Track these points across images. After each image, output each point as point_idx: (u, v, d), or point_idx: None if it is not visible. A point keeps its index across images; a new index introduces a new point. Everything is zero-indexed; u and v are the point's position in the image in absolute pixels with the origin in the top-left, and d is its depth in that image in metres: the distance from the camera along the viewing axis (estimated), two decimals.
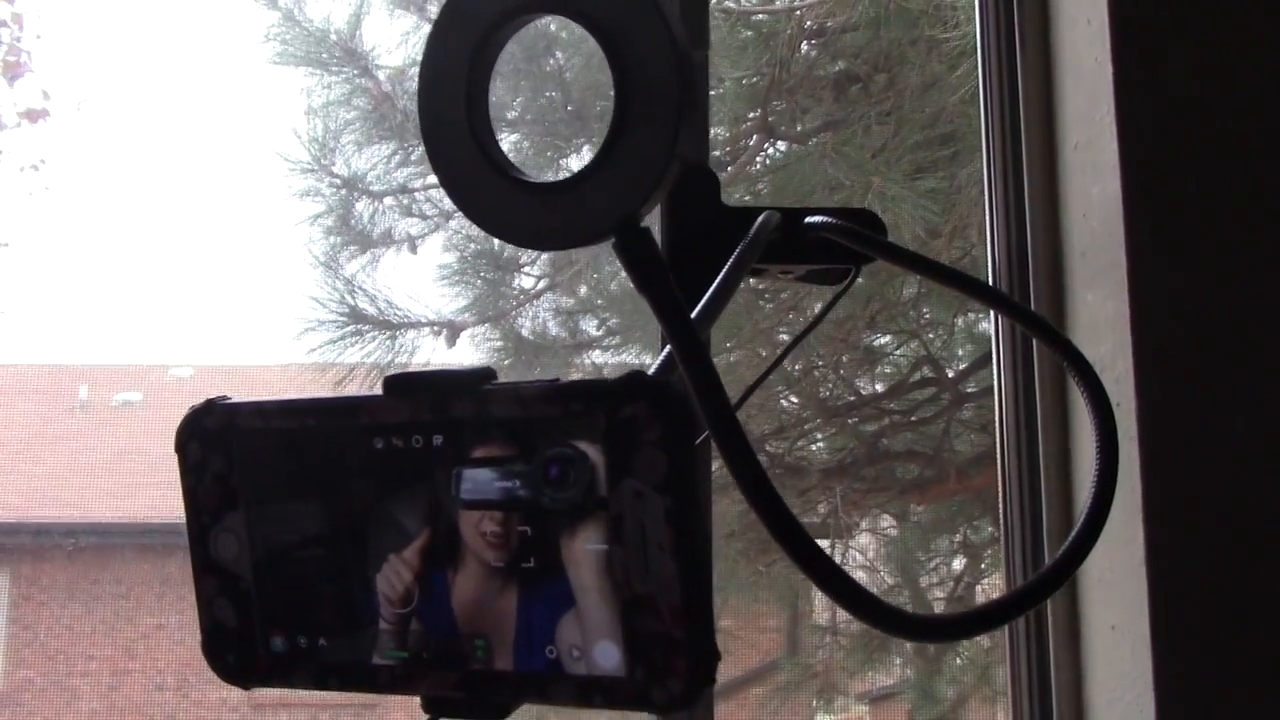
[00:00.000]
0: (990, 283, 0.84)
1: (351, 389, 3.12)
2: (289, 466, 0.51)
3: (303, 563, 0.51)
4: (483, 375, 0.48)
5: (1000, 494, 0.84)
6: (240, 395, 0.53)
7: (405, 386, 0.49)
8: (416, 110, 0.54)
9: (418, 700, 0.50)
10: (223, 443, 0.52)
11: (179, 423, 0.53)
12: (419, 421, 0.48)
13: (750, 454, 0.48)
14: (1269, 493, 0.72)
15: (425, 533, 0.49)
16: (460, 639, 0.48)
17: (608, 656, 0.45)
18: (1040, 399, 0.82)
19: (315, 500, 0.51)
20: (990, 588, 3.82)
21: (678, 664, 0.44)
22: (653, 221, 0.59)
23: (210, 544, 0.53)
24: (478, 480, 0.48)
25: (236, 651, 0.53)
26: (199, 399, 0.53)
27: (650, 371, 0.54)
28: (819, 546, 0.49)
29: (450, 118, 0.52)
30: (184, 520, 0.53)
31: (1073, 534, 0.57)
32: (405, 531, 0.49)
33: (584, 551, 0.46)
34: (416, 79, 0.54)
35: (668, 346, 0.56)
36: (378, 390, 0.50)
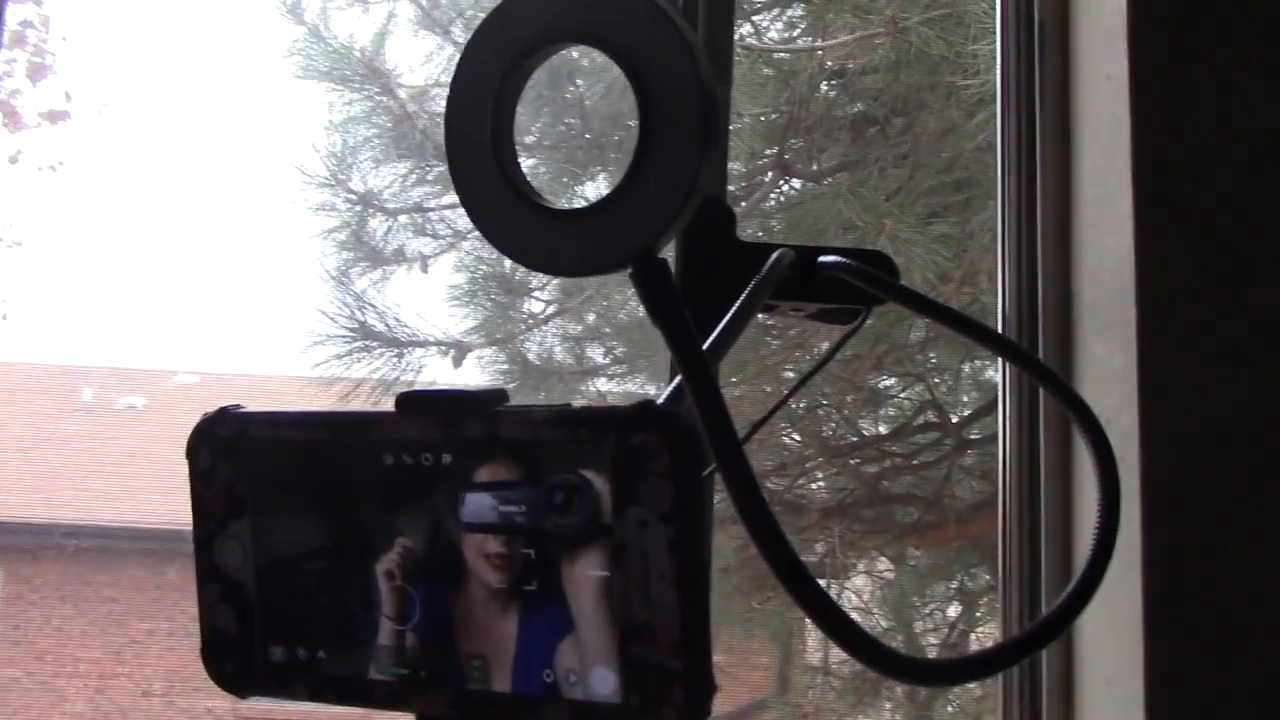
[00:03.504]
0: (999, 331, 0.85)
1: (357, 404, 3.13)
2: (298, 478, 0.52)
3: (306, 574, 0.51)
4: (495, 397, 0.49)
5: (1000, 541, 0.84)
6: (253, 405, 0.53)
7: (417, 404, 0.49)
8: (443, 131, 0.55)
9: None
10: (233, 451, 0.52)
11: (192, 429, 0.53)
12: (429, 440, 0.49)
13: (755, 488, 0.49)
14: (1271, 553, 0.72)
15: (426, 549, 0.49)
16: (458, 658, 0.48)
17: (604, 683, 0.45)
18: (1044, 448, 0.82)
19: (322, 512, 0.51)
20: (985, 636, 3.80)
21: (674, 694, 0.44)
22: (667, 253, 0.60)
23: (215, 551, 0.53)
24: (483, 503, 0.48)
25: (235, 660, 0.53)
26: (203, 405, 0.54)
27: (659, 402, 0.55)
28: (817, 583, 0.49)
29: (475, 141, 0.53)
30: (185, 526, 0.53)
31: (1071, 586, 0.57)
32: (409, 548, 0.49)
33: (585, 577, 0.46)
34: (438, 99, 0.55)
35: (677, 378, 0.56)
36: (390, 407, 0.50)
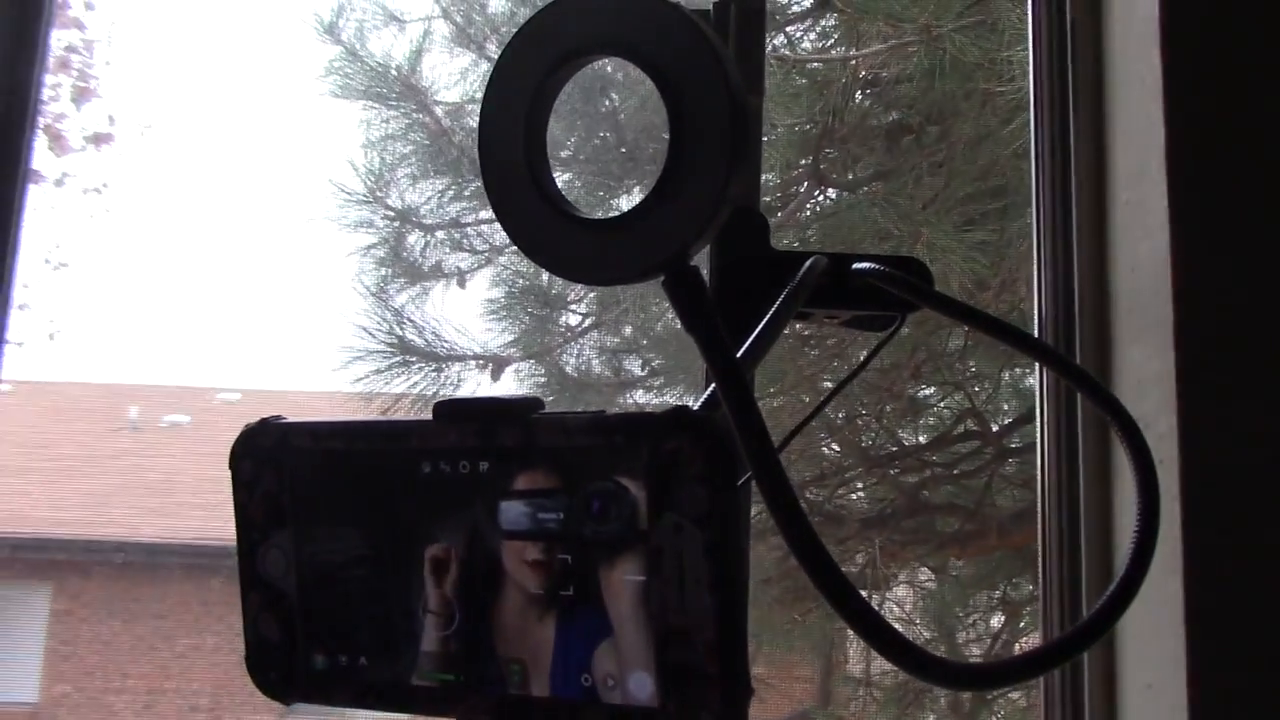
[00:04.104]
0: (1036, 335, 0.84)
1: (397, 418, 3.15)
2: (338, 487, 0.52)
3: (347, 582, 0.52)
4: (531, 404, 0.49)
5: (1040, 548, 0.84)
6: (294, 416, 0.54)
7: (454, 413, 0.50)
8: (475, 144, 0.55)
9: None
10: (275, 461, 0.53)
11: (234, 440, 0.54)
12: (466, 448, 0.49)
13: (791, 493, 0.49)
14: None
15: (466, 557, 0.49)
16: (498, 663, 0.49)
17: (642, 687, 0.46)
18: (1083, 452, 0.82)
19: (362, 521, 0.52)
20: (1029, 646, 3.76)
21: (711, 698, 0.44)
22: (701, 261, 0.60)
23: (258, 560, 0.54)
24: (521, 510, 0.49)
25: (279, 667, 0.54)
26: (245, 423, 0.55)
27: (694, 408, 0.55)
28: (854, 588, 0.49)
29: (508, 153, 0.54)
30: (229, 542, 0.54)
31: (1111, 589, 0.57)
32: (449, 555, 0.50)
33: (622, 582, 0.46)
34: (473, 115, 0.55)
35: (711, 384, 0.57)
36: (427, 416, 0.51)
